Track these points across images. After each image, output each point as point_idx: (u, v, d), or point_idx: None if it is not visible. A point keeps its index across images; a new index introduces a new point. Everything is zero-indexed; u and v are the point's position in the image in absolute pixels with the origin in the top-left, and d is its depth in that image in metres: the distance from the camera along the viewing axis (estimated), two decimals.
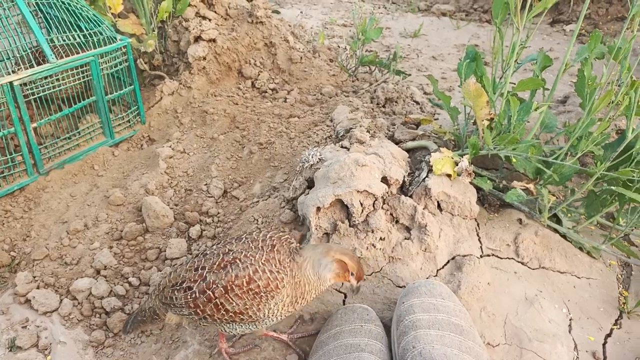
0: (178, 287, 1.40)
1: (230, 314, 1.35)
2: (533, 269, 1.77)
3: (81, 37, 2.26)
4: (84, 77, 2.28)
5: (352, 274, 1.43)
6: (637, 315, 1.68)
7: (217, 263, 1.37)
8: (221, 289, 1.34)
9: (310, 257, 1.41)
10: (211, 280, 1.35)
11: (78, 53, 2.22)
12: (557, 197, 1.98)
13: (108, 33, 2.34)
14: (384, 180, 1.79)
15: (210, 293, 1.34)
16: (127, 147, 2.55)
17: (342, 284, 1.69)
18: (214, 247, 1.45)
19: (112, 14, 2.61)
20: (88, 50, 2.25)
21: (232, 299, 1.34)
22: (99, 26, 2.34)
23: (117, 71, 2.44)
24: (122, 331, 1.69)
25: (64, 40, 2.23)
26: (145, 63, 2.78)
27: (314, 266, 1.40)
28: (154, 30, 2.76)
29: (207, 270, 1.37)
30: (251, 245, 1.39)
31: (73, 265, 1.93)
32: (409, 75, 3.09)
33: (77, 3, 2.36)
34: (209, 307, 1.35)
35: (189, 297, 1.37)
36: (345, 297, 1.67)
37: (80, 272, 1.90)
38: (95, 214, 2.13)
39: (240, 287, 1.33)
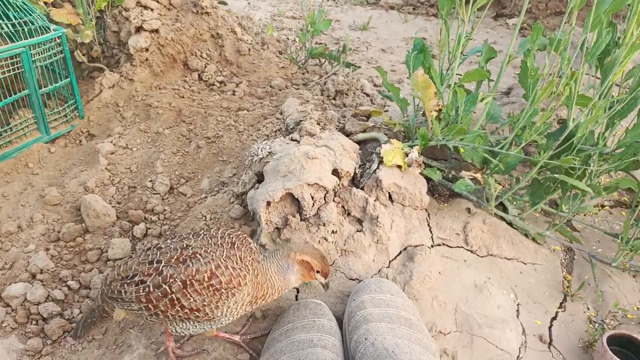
0: (129, 281, 1.31)
1: (186, 310, 1.28)
2: (482, 257, 1.80)
3: (10, 26, 2.10)
4: (14, 70, 2.13)
5: (317, 272, 1.41)
6: (579, 298, 1.75)
7: (175, 257, 1.29)
8: (179, 283, 1.27)
9: (274, 262, 1.38)
10: (168, 274, 1.27)
11: (7, 44, 2.07)
12: (503, 186, 2.02)
13: (40, 23, 2.20)
14: (335, 172, 1.77)
15: (167, 287, 1.27)
16: (64, 143, 2.40)
17: None
18: (169, 241, 1.37)
19: (44, 2, 2.46)
20: (18, 41, 2.11)
21: (190, 294, 1.27)
22: (30, 15, 2.19)
23: (51, 63, 2.30)
24: (72, 337, 1.58)
25: None
26: (83, 55, 2.63)
27: (278, 271, 1.38)
28: (91, 20, 2.61)
29: (163, 263, 1.29)
30: (210, 241, 1.34)
31: (6, 270, 1.80)
32: (359, 67, 3.09)
33: None
34: (163, 303, 1.28)
35: (141, 291, 1.29)
36: (298, 292, 1.64)
37: (14, 277, 1.77)
38: (30, 214, 1.99)
39: (201, 282, 1.27)
